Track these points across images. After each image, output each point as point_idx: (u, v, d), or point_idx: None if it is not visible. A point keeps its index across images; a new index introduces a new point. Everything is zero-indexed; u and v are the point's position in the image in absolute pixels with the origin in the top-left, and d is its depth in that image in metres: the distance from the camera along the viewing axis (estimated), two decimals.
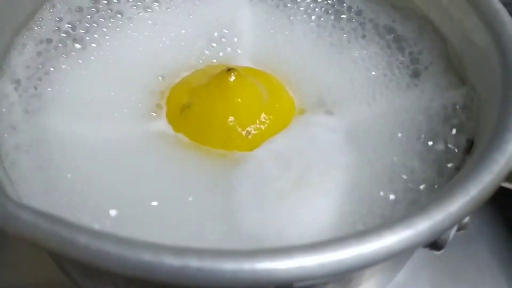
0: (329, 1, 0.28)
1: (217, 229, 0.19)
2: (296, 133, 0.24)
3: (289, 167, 0.22)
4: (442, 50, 0.25)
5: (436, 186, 0.21)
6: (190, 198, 0.20)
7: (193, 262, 0.14)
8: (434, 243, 0.18)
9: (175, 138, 0.24)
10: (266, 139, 0.24)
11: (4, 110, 0.22)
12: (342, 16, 0.28)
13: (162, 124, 0.24)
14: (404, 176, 0.21)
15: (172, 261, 0.14)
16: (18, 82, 0.23)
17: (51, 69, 0.24)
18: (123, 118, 0.24)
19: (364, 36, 0.27)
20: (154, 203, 0.20)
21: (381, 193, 0.21)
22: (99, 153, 0.22)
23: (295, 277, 0.14)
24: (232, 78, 0.24)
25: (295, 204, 0.20)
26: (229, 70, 0.24)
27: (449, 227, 0.15)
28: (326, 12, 0.28)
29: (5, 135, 0.21)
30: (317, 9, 0.28)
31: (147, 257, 0.14)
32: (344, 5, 0.28)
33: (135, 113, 0.24)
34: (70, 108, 0.23)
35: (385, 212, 0.20)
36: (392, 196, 0.21)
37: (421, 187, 0.21)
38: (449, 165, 0.21)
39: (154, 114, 0.24)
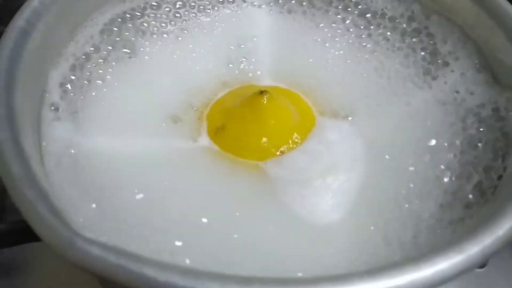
0: (350, 9, 0.29)
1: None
2: (316, 140, 0.25)
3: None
4: (473, 55, 0.25)
5: (470, 196, 0.21)
6: (237, 212, 0.21)
7: None
8: None
9: (210, 151, 0.24)
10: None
11: (50, 136, 0.23)
12: (363, 25, 0.28)
13: (192, 141, 0.25)
14: (427, 187, 0.22)
15: None
16: (57, 107, 0.24)
17: (90, 89, 0.25)
18: (160, 134, 0.24)
19: (388, 40, 0.27)
20: (204, 220, 0.20)
21: (399, 199, 0.22)
22: (142, 167, 0.23)
23: None
24: (265, 100, 0.25)
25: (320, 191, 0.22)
26: (262, 92, 0.25)
27: (498, 250, 0.16)
28: (345, 20, 0.28)
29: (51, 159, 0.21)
30: (337, 19, 0.29)
31: (214, 287, 0.15)
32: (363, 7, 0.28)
33: (172, 130, 0.25)
34: (109, 126, 0.24)
35: (402, 218, 0.21)
36: (408, 205, 0.21)
37: (450, 197, 0.21)
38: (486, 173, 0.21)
39: (188, 132, 0.25)
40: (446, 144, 0.24)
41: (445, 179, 0.22)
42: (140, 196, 0.21)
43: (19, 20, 0.23)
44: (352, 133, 0.25)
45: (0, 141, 0.18)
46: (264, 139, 0.25)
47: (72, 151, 0.22)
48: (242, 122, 0.25)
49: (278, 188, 0.23)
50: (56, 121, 0.23)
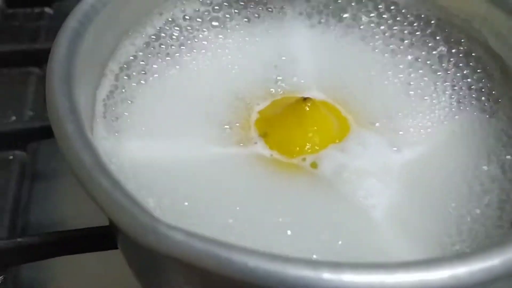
0: (391, 22, 0.29)
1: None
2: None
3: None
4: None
5: None
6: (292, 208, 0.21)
7: (348, 277, 0.14)
8: None
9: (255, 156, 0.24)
10: None
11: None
12: (407, 38, 0.29)
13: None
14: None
15: (330, 276, 0.14)
16: (103, 112, 0.24)
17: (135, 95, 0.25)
18: (208, 141, 0.24)
19: (438, 60, 0.28)
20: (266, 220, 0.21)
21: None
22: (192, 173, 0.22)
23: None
24: (308, 107, 0.25)
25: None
26: (305, 99, 0.26)
27: None
28: (390, 33, 0.29)
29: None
30: (380, 32, 0.29)
31: (306, 273, 0.14)
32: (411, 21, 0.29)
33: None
34: (155, 131, 0.24)
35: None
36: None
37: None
38: None
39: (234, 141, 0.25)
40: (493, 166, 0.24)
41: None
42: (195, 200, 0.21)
43: (72, 22, 0.23)
44: (385, 145, 0.25)
45: (68, 132, 0.18)
46: (308, 145, 0.25)
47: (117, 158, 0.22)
48: (286, 128, 0.26)
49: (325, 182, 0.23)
50: (103, 125, 0.23)
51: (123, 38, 0.26)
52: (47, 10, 0.47)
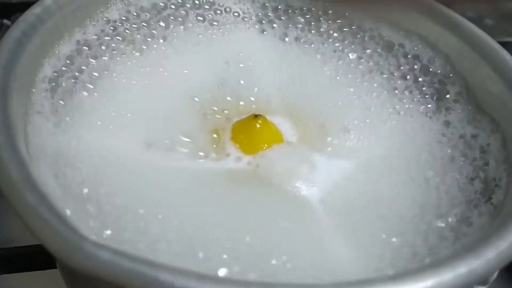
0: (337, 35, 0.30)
1: None
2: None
3: None
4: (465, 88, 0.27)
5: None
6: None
7: None
8: None
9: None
10: None
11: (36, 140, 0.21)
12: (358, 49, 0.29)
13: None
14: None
15: None
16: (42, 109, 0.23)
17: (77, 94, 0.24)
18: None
19: (383, 68, 0.29)
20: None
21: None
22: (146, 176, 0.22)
23: None
24: (258, 125, 0.26)
25: None
26: (256, 116, 0.26)
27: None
28: (342, 46, 0.29)
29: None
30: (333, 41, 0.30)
31: None
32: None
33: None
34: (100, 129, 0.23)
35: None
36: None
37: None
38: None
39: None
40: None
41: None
42: (141, 204, 0.20)
43: (15, 32, 0.22)
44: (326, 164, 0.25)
45: None
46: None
47: (61, 155, 0.21)
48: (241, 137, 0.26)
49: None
50: (42, 124, 0.22)
51: (67, 38, 0.25)
52: (6, 22, 0.47)
